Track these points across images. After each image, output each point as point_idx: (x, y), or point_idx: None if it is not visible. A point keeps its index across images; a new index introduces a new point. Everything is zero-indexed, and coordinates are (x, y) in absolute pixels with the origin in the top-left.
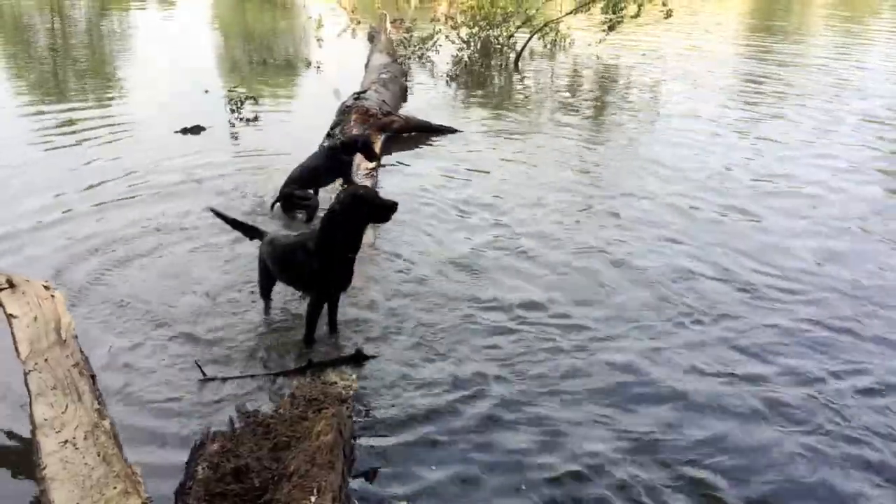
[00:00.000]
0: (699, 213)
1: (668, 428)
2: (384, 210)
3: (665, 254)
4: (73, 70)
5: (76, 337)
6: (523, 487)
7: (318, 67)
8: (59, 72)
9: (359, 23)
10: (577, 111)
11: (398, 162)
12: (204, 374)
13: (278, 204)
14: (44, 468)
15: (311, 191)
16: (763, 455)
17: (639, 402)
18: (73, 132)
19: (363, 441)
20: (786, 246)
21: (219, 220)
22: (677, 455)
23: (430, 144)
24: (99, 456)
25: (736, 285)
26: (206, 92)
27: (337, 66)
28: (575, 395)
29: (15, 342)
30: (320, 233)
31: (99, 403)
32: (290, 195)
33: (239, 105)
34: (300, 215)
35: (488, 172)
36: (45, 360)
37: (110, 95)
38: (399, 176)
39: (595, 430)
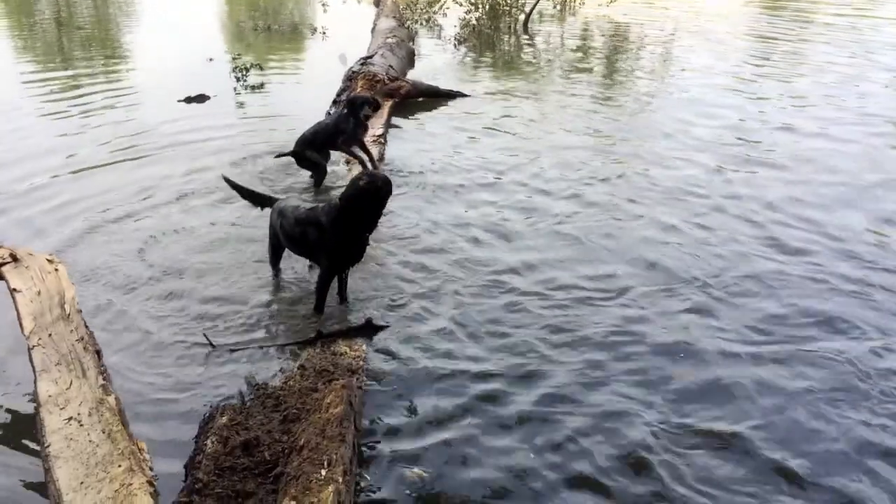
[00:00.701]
0: (720, 167)
1: (705, 409)
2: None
3: (688, 211)
4: (78, 39)
5: (80, 311)
6: (532, 455)
7: (324, 33)
8: (63, 41)
9: None
10: (589, 71)
11: (407, 127)
12: (212, 344)
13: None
14: (48, 446)
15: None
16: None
17: (669, 381)
18: (75, 99)
19: (374, 412)
20: (816, 202)
21: (223, 185)
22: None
23: (439, 109)
24: (104, 433)
25: (766, 242)
26: (211, 60)
27: (343, 31)
28: (594, 368)
29: (19, 317)
30: (337, 213)
31: (104, 379)
32: (300, 154)
33: (244, 73)
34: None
35: (499, 135)
36: (49, 335)
37: (114, 64)
38: (408, 142)
39: (623, 403)
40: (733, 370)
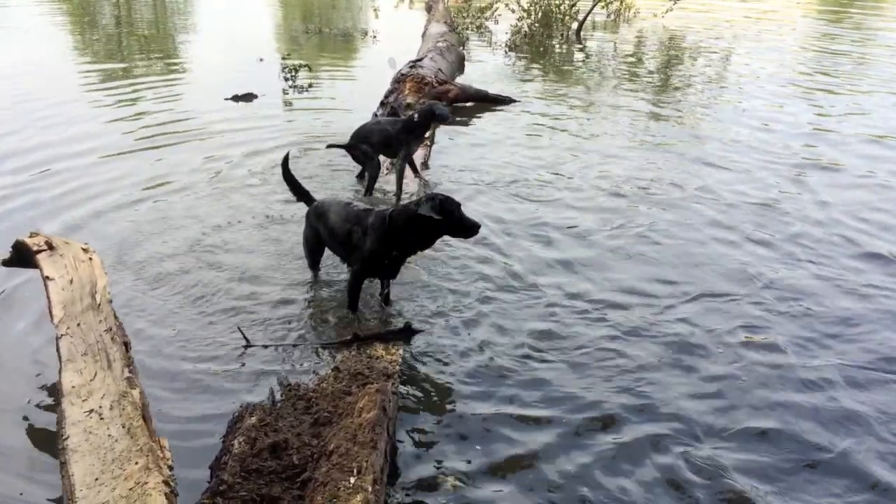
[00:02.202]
0: (786, 174)
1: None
2: (465, 230)
3: (757, 218)
4: (136, 38)
5: (111, 301)
6: (568, 467)
7: (374, 37)
8: (121, 39)
9: None
10: (642, 80)
11: (454, 131)
12: (248, 340)
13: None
14: (66, 438)
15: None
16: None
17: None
18: (122, 92)
19: (408, 418)
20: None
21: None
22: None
23: (488, 113)
24: (123, 428)
25: (840, 248)
26: (261, 60)
27: (393, 36)
28: (630, 381)
29: (49, 305)
30: (384, 226)
31: (130, 372)
32: (355, 148)
33: (293, 73)
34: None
35: (547, 142)
36: (78, 324)
37: (168, 63)
38: (455, 145)
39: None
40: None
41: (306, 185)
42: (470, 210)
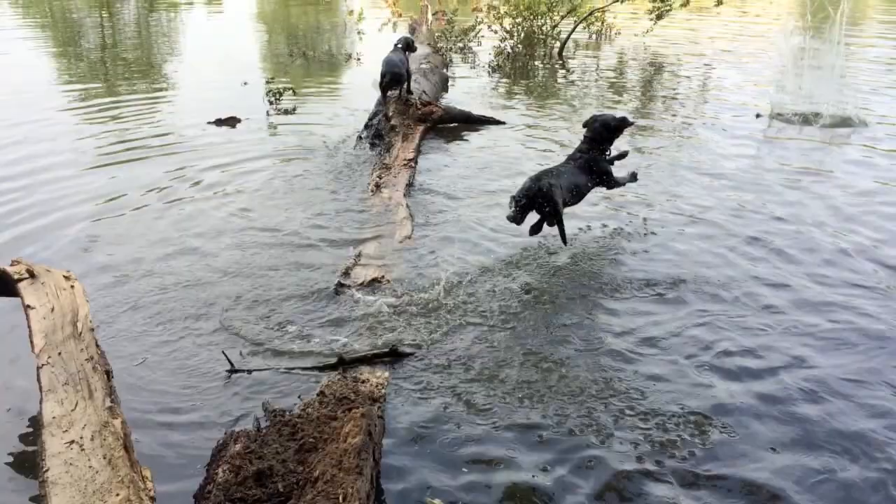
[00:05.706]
0: (775, 184)
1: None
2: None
3: (750, 229)
4: (120, 63)
5: (93, 329)
6: (556, 488)
7: (359, 59)
8: (107, 64)
9: (400, 16)
10: (625, 96)
11: (439, 152)
12: (232, 364)
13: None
14: (46, 470)
15: None
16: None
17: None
18: (103, 118)
19: (394, 439)
20: None
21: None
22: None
23: (472, 135)
24: (104, 458)
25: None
26: (245, 84)
27: (377, 58)
28: (622, 395)
29: (30, 335)
30: (595, 145)
31: (111, 401)
32: (400, 74)
33: (277, 96)
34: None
35: (533, 162)
36: (59, 353)
37: (151, 87)
38: (440, 166)
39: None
40: None
41: (284, 204)
42: (465, 214)
